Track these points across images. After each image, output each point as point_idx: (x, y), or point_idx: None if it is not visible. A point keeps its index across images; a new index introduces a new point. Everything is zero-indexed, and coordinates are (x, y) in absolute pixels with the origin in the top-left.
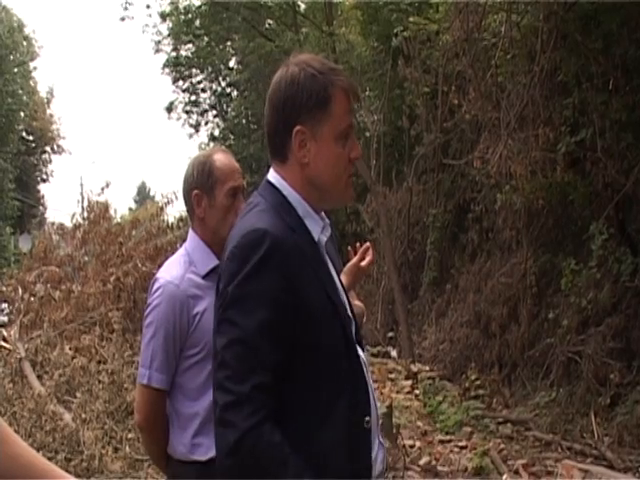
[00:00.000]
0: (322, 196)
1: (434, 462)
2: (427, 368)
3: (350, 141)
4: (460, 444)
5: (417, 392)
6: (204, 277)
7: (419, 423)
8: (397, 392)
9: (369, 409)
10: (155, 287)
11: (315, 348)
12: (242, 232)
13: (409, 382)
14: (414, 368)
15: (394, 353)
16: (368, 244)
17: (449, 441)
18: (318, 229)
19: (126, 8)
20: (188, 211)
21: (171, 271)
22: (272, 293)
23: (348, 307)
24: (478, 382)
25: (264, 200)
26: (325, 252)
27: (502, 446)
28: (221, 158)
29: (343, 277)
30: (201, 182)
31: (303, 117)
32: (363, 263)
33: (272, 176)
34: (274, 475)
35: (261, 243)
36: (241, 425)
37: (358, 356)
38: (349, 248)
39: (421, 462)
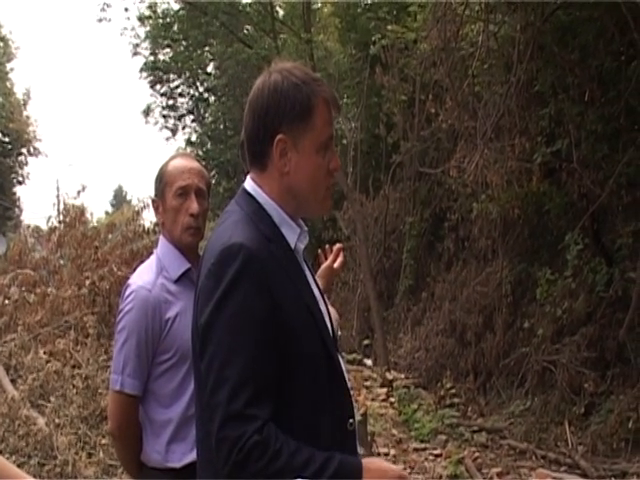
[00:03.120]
0: (300, 206)
1: (409, 470)
2: (402, 376)
3: (330, 152)
4: (435, 452)
5: (392, 400)
6: (176, 282)
7: (394, 431)
8: (372, 400)
9: (352, 412)
10: (127, 292)
11: (297, 358)
12: (218, 247)
13: (384, 390)
14: (389, 376)
15: (369, 362)
16: (340, 245)
17: (424, 449)
18: (294, 236)
19: (104, 9)
20: None
21: (143, 276)
22: (251, 308)
23: (326, 314)
24: (453, 390)
25: (240, 209)
26: (303, 259)
27: (477, 454)
28: (175, 162)
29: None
30: (156, 189)
31: (285, 126)
32: (335, 265)
33: (248, 184)
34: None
35: (236, 258)
36: (243, 436)
37: (338, 362)
38: (319, 251)
39: None
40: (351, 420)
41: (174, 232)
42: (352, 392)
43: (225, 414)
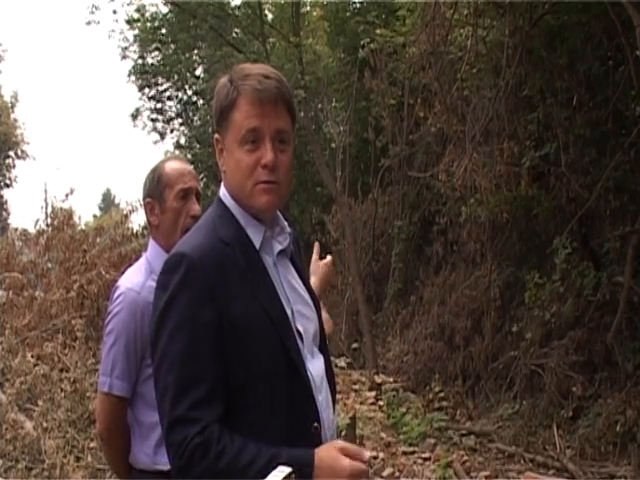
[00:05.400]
0: (241, 203)
1: (397, 473)
2: (391, 379)
3: (262, 147)
4: (424, 456)
5: (381, 403)
6: None
7: (383, 434)
8: (361, 403)
9: (317, 416)
10: (116, 295)
11: (247, 361)
12: (168, 256)
13: (373, 393)
14: (378, 379)
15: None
16: (317, 244)
17: (412, 453)
18: (259, 236)
19: (92, 12)
20: (146, 221)
21: (132, 279)
22: (193, 317)
23: (309, 312)
24: (442, 394)
25: (208, 213)
26: (275, 260)
27: (465, 458)
28: (171, 164)
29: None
30: (151, 190)
31: (218, 126)
32: (323, 262)
33: (221, 188)
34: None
35: (178, 268)
36: (186, 438)
37: (302, 365)
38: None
39: (384, 473)
40: (315, 424)
41: (172, 234)
42: (326, 398)
43: (169, 420)
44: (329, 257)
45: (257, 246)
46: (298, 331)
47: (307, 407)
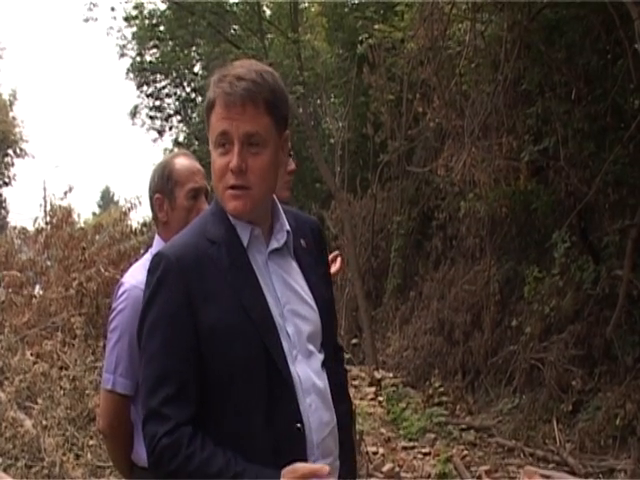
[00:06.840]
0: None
1: (397, 469)
2: (391, 375)
3: (232, 150)
4: (423, 451)
5: (380, 399)
6: None
7: (382, 430)
8: (360, 399)
9: (299, 418)
10: (120, 292)
11: (224, 360)
12: (152, 255)
13: (373, 389)
14: (377, 375)
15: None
16: (337, 252)
17: (412, 448)
18: (246, 235)
19: (90, 9)
20: (153, 216)
21: (136, 276)
22: (169, 312)
23: (307, 311)
24: (441, 389)
25: (204, 211)
26: (267, 258)
27: (465, 452)
28: (181, 161)
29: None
30: (161, 186)
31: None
32: (332, 270)
33: None
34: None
35: (157, 268)
36: (155, 436)
37: (284, 367)
38: None
39: (384, 469)
40: (298, 425)
41: (180, 232)
42: (312, 398)
43: (145, 411)
44: (337, 266)
45: (244, 244)
46: (286, 331)
47: (288, 408)
